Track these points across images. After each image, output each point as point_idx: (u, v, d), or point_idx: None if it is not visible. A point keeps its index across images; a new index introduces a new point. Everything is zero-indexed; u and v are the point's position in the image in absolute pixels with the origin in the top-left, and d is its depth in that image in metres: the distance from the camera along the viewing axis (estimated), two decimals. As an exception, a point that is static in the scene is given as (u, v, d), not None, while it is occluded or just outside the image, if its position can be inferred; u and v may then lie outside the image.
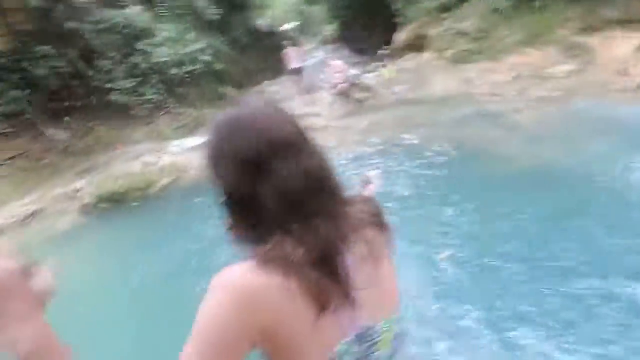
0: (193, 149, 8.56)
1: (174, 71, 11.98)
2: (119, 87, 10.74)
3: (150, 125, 10.84)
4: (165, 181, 7.21)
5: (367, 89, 10.46)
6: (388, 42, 13.52)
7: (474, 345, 2.95)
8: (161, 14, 13.40)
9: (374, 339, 0.81)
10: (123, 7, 12.14)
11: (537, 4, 9.63)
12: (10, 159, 8.29)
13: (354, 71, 11.19)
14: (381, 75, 11.08)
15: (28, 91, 9.13)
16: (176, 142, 9.30)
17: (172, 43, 12.59)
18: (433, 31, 11.64)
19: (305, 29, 32.95)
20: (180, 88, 12.09)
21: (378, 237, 0.88)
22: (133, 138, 10.20)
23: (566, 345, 2.76)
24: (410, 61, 11.64)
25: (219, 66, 13.57)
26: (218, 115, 0.88)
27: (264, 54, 18.48)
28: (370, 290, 0.80)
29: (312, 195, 0.80)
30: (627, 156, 5.01)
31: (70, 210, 6.87)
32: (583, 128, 6.06)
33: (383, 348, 0.82)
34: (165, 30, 12.89)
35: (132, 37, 11.85)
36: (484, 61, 9.90)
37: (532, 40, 9.44)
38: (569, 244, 3.70)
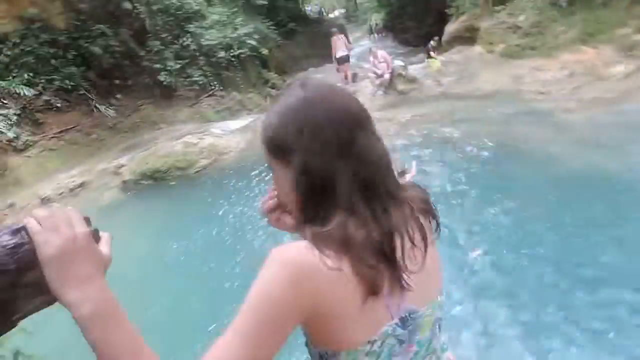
0: (234, 131, 8.72)
1: (221, 54, 12.18)
2: (167, 68, 11.05)
3: (194, 106, 11.11)
4: (204, 162, 7.38)
5: (412, 80, 10.25)
6: (436, 33, 13.20)
7: (495, 345, 2.91)
8: (212, -3, 13.61)
9: (417, 323, 0.82)
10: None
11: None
12: (61, 132, 8.71)
13: (398, 62, 11.00)
14: (427, 66, 10.83)
15: (83, 68, 9.57)
16: (218, 124, 9.49)
17: (221, 26, 12.79)
18: (485, 24, 11.26)
19: (353, 17, 32.71)
20: (225, 71, 12.28)
21: (427, 223, 0.89)
22: (177, 118, 10.50)
23: (590, 357, 2.66)
24: (458, 54, 11.32)
25: (264, 51, 13.68)
26: (287, 94, 0.85)
27: (310, 40, 18.48)
28: (419, 275, 0.80)
29: (383, 177, 0.81)
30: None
31: (112, 185, 7.16)
32: (634, 133, 5.73)
33: (424, 332, 0.84)
34: (215, 14, 13.10)
35: (183, 19, 12.13)
36: (535, 57, 9.48)
37: (589, 37, 8.94)
38: (603, 252, 3.58)
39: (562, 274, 3.45)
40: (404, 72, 10.32)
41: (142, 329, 0.65)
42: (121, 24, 10.57)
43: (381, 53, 10.61)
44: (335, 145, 0.78)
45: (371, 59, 10.74)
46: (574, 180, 4.94)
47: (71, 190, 7.04)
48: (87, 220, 0.67)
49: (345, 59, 11.98)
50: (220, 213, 5.72)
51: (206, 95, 11.48)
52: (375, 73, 10.42)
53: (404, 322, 0.79)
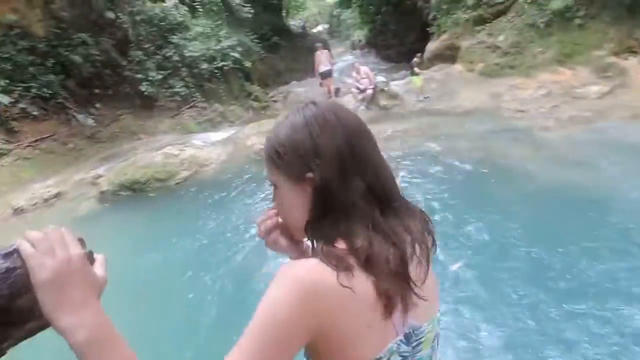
0: (215, 143, 8.66)
1: (203, 66, 12.17)
2: (149, 78, 10.97)
3: (175, 117, 11.03)
4: (184, 173, 7.29)
5: (393, 96, 10.41)
6: (418, 51, 13.44)
7: (474, 358, 2.93)
8: (196, 9, 13.63)
9: (419, 339, 0.81)
10: (162, 0, 12.41)
11: (577, 21, 9.42)
12: (36, 140, 8.49)
13: (381, 77, 11.15)
14: (409, 83, 11.01)
15: (62, 76, 9.40)
16: (199, 136, 9.42)
17: (205, 38, 12.80)
18: (465, 43, 11.53)
19: (336, 32, 33.10)
20: (208, 83, 12.27)
21: (428, 241, 0.89)
22: (158, 128, 10.40)
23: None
24: (439, 71, 11.56)
25: (247, 63, 13.72)
26: (299, 111, 0.84)
27: (293, 54, 18.63)
28: (421, 291, 0.80)
29: (394, 191, 0.82)
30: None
31: (89, 196, 7.00)
32: (608, 151, 5.93)
33: (425, 348, 0.84)
34: (199, 25, 13.11)
35: (166, 30, 12.11)
36: (514, 76, 9.74)
37: (566, 58, 9.24)
38: (576, 265, 3.70)
39: (536, 285, 3.56)
40: (386, 88, 10.47)
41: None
42: (103, 33, 10.48)
43: (364, 69, 10.75)
44: (352, 162, 0.79)
45: (354, 74, 10.87)
46: (550, 196, 5.06)
47: (46, 200, 6.84)
48: (82, 242, 0.65)
49: (328, 74, 12.10)
50: (201, 225, 5.64)
51: (188, 106, 11.42)
52: (357, 88, 10.54)
53: (408, 338, 0.79)
